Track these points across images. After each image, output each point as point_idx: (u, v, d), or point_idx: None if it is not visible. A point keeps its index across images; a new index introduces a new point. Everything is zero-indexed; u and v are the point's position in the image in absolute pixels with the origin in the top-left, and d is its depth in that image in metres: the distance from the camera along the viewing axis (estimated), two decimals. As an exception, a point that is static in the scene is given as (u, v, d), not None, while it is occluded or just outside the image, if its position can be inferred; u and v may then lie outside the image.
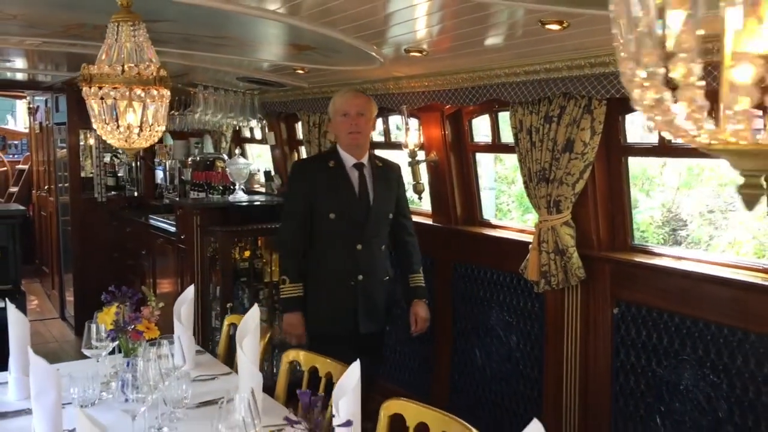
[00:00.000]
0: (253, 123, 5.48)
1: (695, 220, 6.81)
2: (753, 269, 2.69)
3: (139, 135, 2.18)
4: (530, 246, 3.22)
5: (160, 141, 7.00)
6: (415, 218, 3.71)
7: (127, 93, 2.12)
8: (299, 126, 5.20)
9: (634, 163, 7.51)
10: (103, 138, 2.26)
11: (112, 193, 7.21)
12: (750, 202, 0.61)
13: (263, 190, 5.90)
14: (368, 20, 2.54)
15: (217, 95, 5.17)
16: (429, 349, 4.16)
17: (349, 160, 3.34)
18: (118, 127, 2.16)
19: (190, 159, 6.10)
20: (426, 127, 3.94)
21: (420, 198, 4.10)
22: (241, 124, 5.46)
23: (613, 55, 2.64)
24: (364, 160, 3.37)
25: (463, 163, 3.93)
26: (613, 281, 3.11)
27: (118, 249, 6.64)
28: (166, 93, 2.21)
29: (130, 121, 2.15)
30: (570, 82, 2.88)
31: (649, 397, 2.97)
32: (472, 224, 4.00)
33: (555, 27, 2.28)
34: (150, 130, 2.19)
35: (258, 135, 6.07)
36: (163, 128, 2.27)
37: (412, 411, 2.14)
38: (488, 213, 5.81)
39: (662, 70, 0.61)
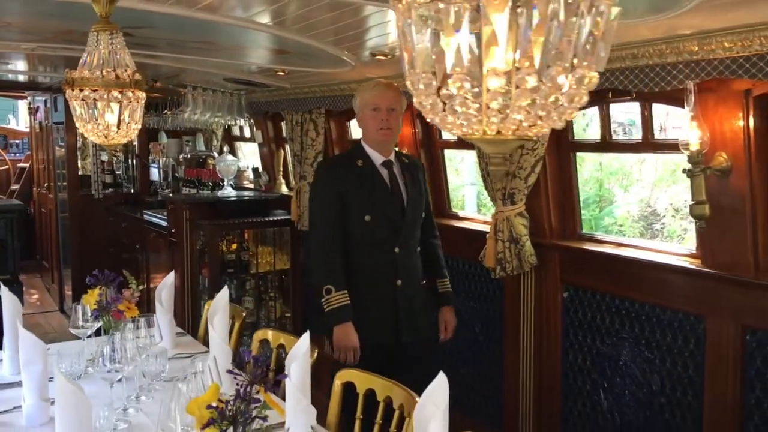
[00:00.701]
0: (241, 122, 5.74)
1: (669, 214, 7.03)
2: (678, 254, 2.94)
3: (116, 132, 2.43)
4: (487, 235, 3.47)
5: (155, 139, 7.31)
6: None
7: (106, 95, 2.38)
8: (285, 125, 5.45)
9: (613, 160, 7.72)
10: (85, 135, 2.51)
11: (109, 190, 7.49)
12: (496, 175, 0.83)
13: (252, 186, 6.15)
14: (341, 25, 2.79)
15: (206, 95, 5.42)
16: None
17: (377, 157, 3.11)
18: (98, 125, 2.41)
19: (181, 156, 6.35)
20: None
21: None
22: (229, 122, 5.72)
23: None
24: (392, 157, 3.15)
25: (433, 159, 4.17)
26: (563, 267, 3.35)
27: (114, 244, 6.90)
28: (141, 95, 2.46)
29: (109, 120, 2.41)
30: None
31: (594, 374, 3.22)
32: (442, 216, 4.24)
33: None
34: (127, 128, 2.44)
35: (248, 133, 6.33)
36: (139, 126, 2.52)
37: (362, 379, 2.39)
38: (470, 207, 6.06)
39: (435, 83, 0.84)
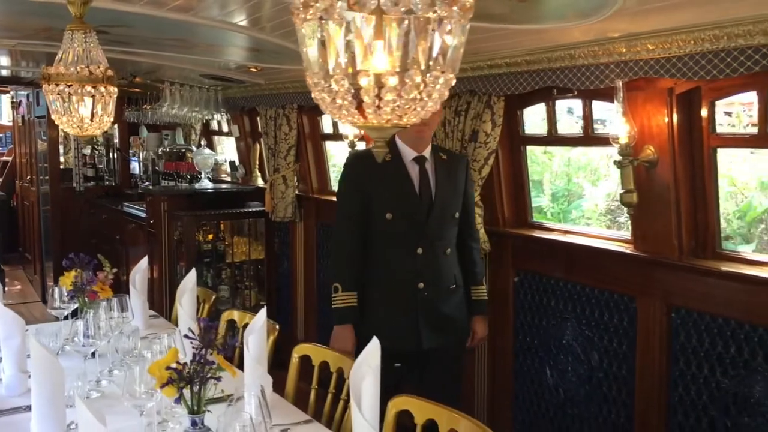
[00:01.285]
0: (218, 117, 5.93)
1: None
2: (615, 240, 3.17)
3: (90, 124, 2.63)
4: (444, 223, 3.68)
5: (136, 133, 7.48)
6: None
7: (80, 90, 2.57)
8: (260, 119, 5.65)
9: (581, 156, 7.98)
10: (60, 127, 2.71)
11: (91, 183, 7.66)
12: (379, 155, 1.05)
13: (230, 179, 6.34)
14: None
15: (183, 91, 5.60)
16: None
17: (408, 153, 2.96)
18: (72, 118, 2.60)
19: (160, 150, 6.53)
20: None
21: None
22: (206, 117, 5.91)
23: (508, 58, 3.12)
24: (426, 152, 2.98)
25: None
26: (514, 253, 3.58)
27: (95, 235, 7.08)
28: (113, 90, 2.66)
29: (83, 113, 2.60)
30: (473, 81, 3.35)
31: (541, 352, 3.45)
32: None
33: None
34: (99, 120, 2.64)
35: (225, 128, 6.51)
36: (111, 118, 2.71)
37: (318, 352, 2.60)
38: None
39: (323, 82, 1.04)
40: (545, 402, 3.43)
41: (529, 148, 3.65)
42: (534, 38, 2.86)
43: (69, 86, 2.57)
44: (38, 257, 7.88)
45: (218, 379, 1.89)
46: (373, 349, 1.97)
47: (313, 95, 1.10)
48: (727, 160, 4.12)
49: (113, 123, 7.66)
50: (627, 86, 2.75)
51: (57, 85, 2.58)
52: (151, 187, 6.19)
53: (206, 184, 5.83)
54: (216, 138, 6.81)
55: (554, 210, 6.12)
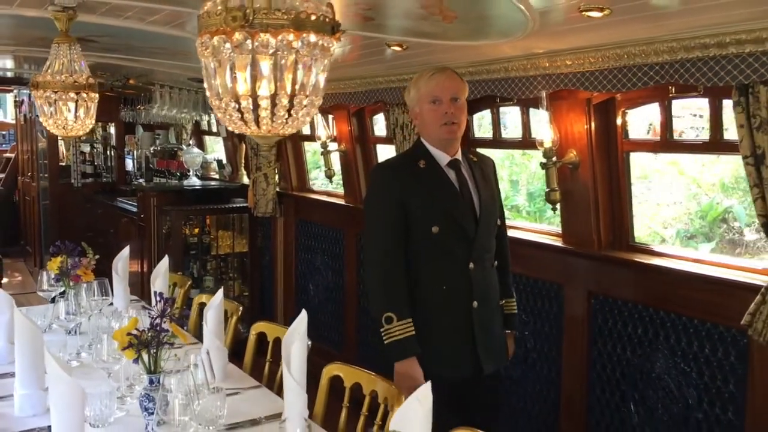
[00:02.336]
0: (206, 117, 6.29)
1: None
2: (549, 234, 3.51)
3: (73, 126, 2.98)
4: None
5: (132, 132, 7.86)
6: (331, 199, 3.87)
7: (64, 95, 2.92)
8: (244, 120, 6.01)
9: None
10: (47, 128, 3.06)
11: (89, 179, 8.05)
12: (266, 157, 1.37)
13: (217, 176, 6.70)
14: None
15: (173, 93, 5.96)
16: (341, 306, 4.99)
17: (442, 157, 2.63)
18: (57, 120, 2.95)
19: (152, 149, 6.89)
20: (337, 122, 4.76)
21: (331, 180, 4.89)
22: (195, 118, 6.27)
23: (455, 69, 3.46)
24: (459, 155, 2.66)
25: (366, 152, 4.74)
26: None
27: (91, 229, 7.43)
28: (94, 96, 3.01)
29: (67, 116, 2.95)
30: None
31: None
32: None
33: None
34: (82, 123, 2.99)
35: (215, 128, 6.87)
36: (93, 121, 3.07)
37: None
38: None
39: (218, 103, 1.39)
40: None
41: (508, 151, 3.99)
42: (472, 53, 3.19)
43: (55, 92, 2.93)
44: (38, 250, 8.24)
45: (171, 344, 2.23)
46: (301, 319, 2.29)
47: (214, 111, 1.44)
48: (698, 163, 4.45)
49: (110, 122, 8.05)
50: (552, 96, 3.08)
51: (44, 91, 2.94)
52: (144, 184, 6.55)
53: (194, 181, 6.19)
54: (207, 138, 7.17)
55: (531, 209, 6.43)
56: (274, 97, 1.31)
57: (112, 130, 8.13)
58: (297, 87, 1.33)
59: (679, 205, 4.88)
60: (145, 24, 3.40)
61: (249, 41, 1.24)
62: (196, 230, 5.89)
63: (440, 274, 2.60)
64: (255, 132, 1.35)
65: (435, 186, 2.61)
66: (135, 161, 7.46)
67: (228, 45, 1.27)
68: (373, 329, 2.68)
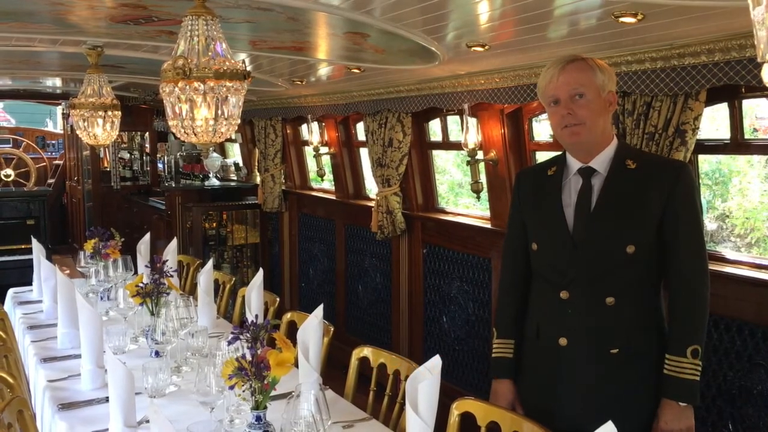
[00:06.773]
0: (224, 126, 7.19)
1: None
2: (482, 218, 4.29)
3: (101, 137, 3.88)
4: (373, 209, 4.85)
5: (164, 140, 8.83)
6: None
7: (95, 114, 3.82)
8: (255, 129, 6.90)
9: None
10: (82, 139, 3.97)
11: (128, 182, 9.09)
12: (206, 154, 2.17)
13: (235, 177, 7.61)
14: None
15: (195, 106, 6.86)
16: (332, 287, 5.83)
17: (573, 164, 2.27)
18: (89, 133, 3.85)
19: (179, 154, 7.84)
20: (327, 129, 5.60)
21: (322, 179, 5.73)
22: (214, 127, 7.17)
23: (406, 86, 4.27)
24: (598, 162, 2.22)
25: (351, 154, 5.56)
26: (423, 231, 4.72)
27: (129, 226, 8.42)
28: (117, 113, 3.90)
29: (96, 131, 3.85)
30: (388, 102, 4.51)
31: (439, 305, 4.58)
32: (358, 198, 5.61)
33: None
34: (108, 135, 3.89)
35: (233, 135, 7.78)
36: (116, 133, 3.95)
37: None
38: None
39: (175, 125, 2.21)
40: (442, 341, 4.56)
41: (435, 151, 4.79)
42: (415, 74, 3.99)
43: (88, 112, 3.83)
44: (82, 247, 9.26)
45: (167, 293, 3.09)
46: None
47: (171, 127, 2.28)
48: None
49: (145, 131, 9.05)
50: (476, 107, 3.87)
51: (80, 110, 3.84)
52: (172, 185, 7.49)
53: (213, 182, 7.11)
54: (227, 144, 8.09)
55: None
56: (207, 120, 2.13)
57: (147, 138, 9.15)
58: (219, 112, 2.15)
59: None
60: (158, 55, 4.30)
61: (188, 86, 2.08)
62: (215, 224, 6.80)
63: (535, 299, 2.35)
64: (195, 140, 2.18)
65: (545, 196, 2.30)
66: (165, 165, 8.43)
67: (176, 88, 2.10)
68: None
